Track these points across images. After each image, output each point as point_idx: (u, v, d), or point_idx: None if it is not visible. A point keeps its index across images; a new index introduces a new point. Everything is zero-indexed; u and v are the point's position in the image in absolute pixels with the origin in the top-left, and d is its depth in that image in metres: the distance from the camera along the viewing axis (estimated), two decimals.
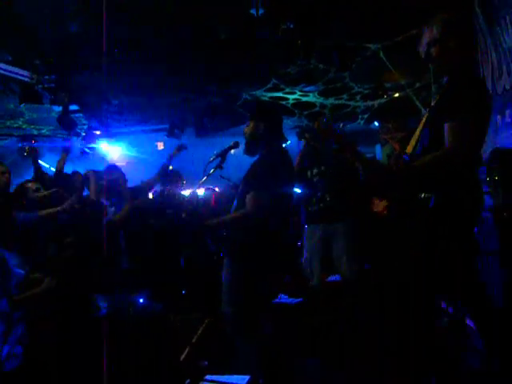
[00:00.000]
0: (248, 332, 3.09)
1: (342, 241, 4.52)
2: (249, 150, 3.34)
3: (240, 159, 3.53)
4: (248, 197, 3.04)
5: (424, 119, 2.58)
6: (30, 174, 6.10)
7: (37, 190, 4.27)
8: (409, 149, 2.61)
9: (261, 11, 4.54)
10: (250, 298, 3.06)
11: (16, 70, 5.61)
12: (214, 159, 3.34)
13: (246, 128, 3.32)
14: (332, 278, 4.96)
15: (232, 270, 3.10)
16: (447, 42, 2.42)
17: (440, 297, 2.63)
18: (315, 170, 4.66)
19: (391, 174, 2.48)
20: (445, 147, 2.29)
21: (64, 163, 5.59)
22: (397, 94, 7.64)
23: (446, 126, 2.30)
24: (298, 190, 4.85)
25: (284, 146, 3.52)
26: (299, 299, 4.57)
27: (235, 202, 3.28)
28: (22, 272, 3.49)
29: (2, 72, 5.46)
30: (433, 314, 2.45)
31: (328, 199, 4.59)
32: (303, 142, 4.93)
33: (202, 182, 3.31)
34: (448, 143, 2.28)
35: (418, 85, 7.09)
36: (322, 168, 4.59)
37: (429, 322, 2.41)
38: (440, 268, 2.37)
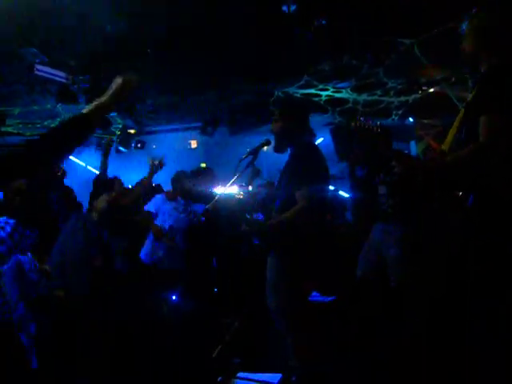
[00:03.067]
0: (295, 328, 3.10)
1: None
2: (279, 148, 3.33)
3: (271, 157, 3.53)
4: (299, 194, 3.03)
5: (461, 114, 2.53)
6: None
7: None
8: (445, 145, 2.56)
9: (292, 8, 4.52)
10: (296, 294, 3.07)
11: (53, 71, 5.71)
12: (246, 157, 3.35)
13: (275, 126, 3.31)
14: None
15: (279, 266, 3.10)
16: (475, 37, 2.38)
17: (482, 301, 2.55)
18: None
19: (429, 171, 2.43)
20: (478, 141, 2.25)
21: (106, 167, 5.69)
22: (432, 89, 7.49)
23: (481, 119, 2.25)
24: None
25: (316, 143, 3.50)
26: (332, 297, 4.55)
27: (277, 202, 3.27)
28: (35, 277, 3.58)
29: (40, 74, 5.57)
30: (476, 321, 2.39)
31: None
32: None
33: (235, 180, 3.32)
34: (481, 137, 2.24)
35: (453, 79, 6.93)
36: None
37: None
38: (482, 269, 2.32)
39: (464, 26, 2.43)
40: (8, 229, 2.54)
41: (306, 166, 3.11)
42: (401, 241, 4.23)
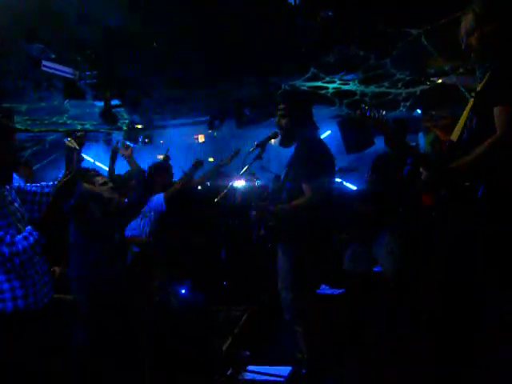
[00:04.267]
0: (305, 319, 3.11)
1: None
2: (286, 142, 3.33)
3: (279, 149, 3.52)
4: (305, 186, 3.04)
5: (470, 105, 2.50)
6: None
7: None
8: (454, 136, 2.54)
9: None
10: (307, 285, 3.09)
11: (59, 67, 5.72)
12: (253, 150, 3.34)
13: (282, 120, 3.31)
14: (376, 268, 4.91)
15: (291, 256, 3.11)
16: (483, 29, 2.34)
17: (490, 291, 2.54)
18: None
19: (443, 171, 2.40)
20: (495, 134, 2.22)
21: (114, 162, 5.67)
22: (440, 80, 7.43)
23: (495, 110, 2.23)
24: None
25: (323, 135, 3.50)
26: (341, 290, 4.54)
27: (284, 194, 3.27)
28: None
29: (47, 69, 5.58)
30: (482, 309, 2.38)
31: None
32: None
33: (242, 173, 3.32)
34: (498, 129, 2.21)
35: (461, 70, 6.87)
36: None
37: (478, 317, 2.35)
38: (490, 261, 2.31)
39: (470, 18, 2.38)
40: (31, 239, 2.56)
41: (313, 159, 3.12)
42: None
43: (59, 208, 2.68)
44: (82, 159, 3.52)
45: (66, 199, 2.74)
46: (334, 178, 3.43)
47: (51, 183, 3.00)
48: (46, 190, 2.97)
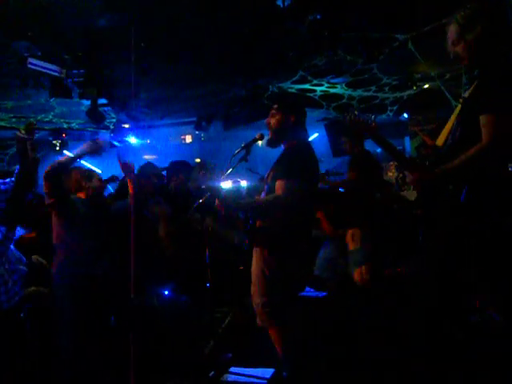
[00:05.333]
0: (278, 323, 3.09)
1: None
2: (273, 142, 3.33)
3: (266, 151, 3.52)
4: (278, 183, 3.04)
5: (456, 111, 2.53)
6: None
7: None
8: (439, 141, 2.57)
9: (287, 2, 4.50)
10: (280, 289, 3.07)
11: (46, 64, 5.67)
12: (239, 151, 3.33)
13: (273, 119, 3.30)
14: None
15: (262, 260, 3.10)
16: (466, 37, 2.36)
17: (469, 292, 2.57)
18: None
19: (432, 175, 2.42)
20: (480, 142, 2.24)
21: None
22: (426, 86, 7.50)
23: (481, 118, 2.25)
24: None
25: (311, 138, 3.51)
26: (325, 293, 4.55)
27: (263, 195, 3.28)
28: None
29: (33, 67, 5.53)
30: (459, 310, 2.41)
31: None
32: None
33: (227, 175, 3.30)
34: (484, 137, 2.24)
35: (448, 76, 6.94)
36: None
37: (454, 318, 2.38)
38: (470, 263, 2.34)
39: (454, 28, 2.40)
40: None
41: (295, 161, 3.12)
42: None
43: (21, 201, 2.66)
44: (36, 148, 3.47)
45: (25, 192, 2.72)
46: (315, 183, 3.40)
47: (8, 180, 2.99)
48: (3, 187, 2.96)
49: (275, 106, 3.35)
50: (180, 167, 5.25)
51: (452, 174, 2.34)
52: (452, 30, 2.41)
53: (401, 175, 3.35)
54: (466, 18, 2.37)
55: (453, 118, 2.54)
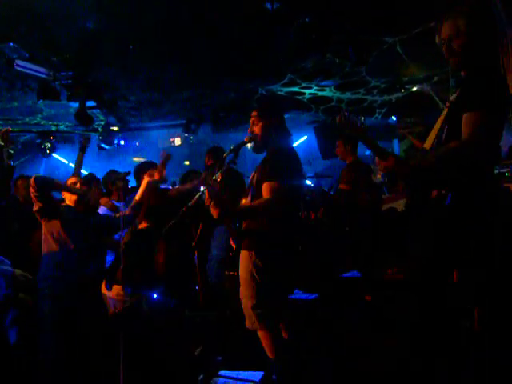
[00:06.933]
0: (267, 326, 3.09)
1: None
2: (260, 148, 3.33)
3: (256, 154, 3.52)
4: (264, 186, 3.03)
5: (443, 114, 2.54)
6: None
7: None
8: (427, 144, 2.57)
9: (276, 5, 4.51)
10: (269, 292, 3.06)
11: (33, 66, 5.64)
12: (227, 154, 3.32)
13: (256, 128, 3.30)
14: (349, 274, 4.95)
15: (251, 262, 3.09)
16: (473, 34, 2.37)
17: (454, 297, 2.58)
18: None
19: (406, 166, 2.43)
20: (461, 139, 2.26)
21: (81, 163, 5.57)
22: (414, 88, 7.55)
23: (464, 117, 2.27)
24: None
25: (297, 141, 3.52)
26: (315, 295, 4.56)
27: (249, 198, 3.27)
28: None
29: (20, 69, 5.50)
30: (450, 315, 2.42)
31: None
32: None
33: (216, 178, 3.29)
34: (464, 134, 2.25)
35: (436, 79, 7.00)
36: None
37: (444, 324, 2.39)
38: (456, 267, 2.35)
39: (460, 22, 2.41)
40: None
41: (280, 162, 3.12)
42: None
43: None
44: (11, 155, 3.46)
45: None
46: (299, 186, 3.41)
47: None
48: None
49: (254, 114, 3.35)
50: (148, 166, 5.25)
51: (428, 167, 2.34)
52: (453, 24, 2.40)
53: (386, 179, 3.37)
54: (475, 14, 2.39)
55: (440, 121, 2.55)
